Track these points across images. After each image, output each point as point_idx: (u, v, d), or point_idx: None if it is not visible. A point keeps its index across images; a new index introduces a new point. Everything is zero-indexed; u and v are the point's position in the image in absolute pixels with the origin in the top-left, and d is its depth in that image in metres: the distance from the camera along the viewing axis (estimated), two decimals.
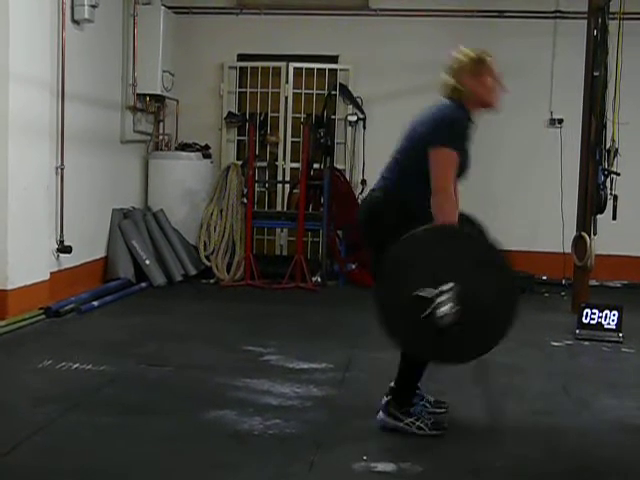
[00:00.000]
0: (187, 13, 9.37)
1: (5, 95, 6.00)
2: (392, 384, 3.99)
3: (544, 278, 8.93)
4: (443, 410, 4.26)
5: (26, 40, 6.17)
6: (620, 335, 6.19)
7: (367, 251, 4.19)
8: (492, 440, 3.95)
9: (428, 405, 4.22)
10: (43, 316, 6.34)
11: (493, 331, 3.61)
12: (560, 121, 9.06)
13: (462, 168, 3.86)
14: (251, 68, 9.55)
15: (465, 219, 3.95)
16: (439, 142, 3.74)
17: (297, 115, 9.39)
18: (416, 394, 4.10)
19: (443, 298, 3.41)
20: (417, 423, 3.90)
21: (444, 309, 3.38)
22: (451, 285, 3.44)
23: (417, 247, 3.55)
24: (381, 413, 3.97)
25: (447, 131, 3.79)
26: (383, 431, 3.93)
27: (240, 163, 9.08)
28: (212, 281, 8.63)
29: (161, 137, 9.30)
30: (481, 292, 3.48)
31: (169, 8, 8.93)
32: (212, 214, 8.85)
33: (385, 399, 3.97)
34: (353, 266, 8.61)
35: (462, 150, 3.81)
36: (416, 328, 3.53)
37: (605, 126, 7.18)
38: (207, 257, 8.78)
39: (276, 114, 9.52)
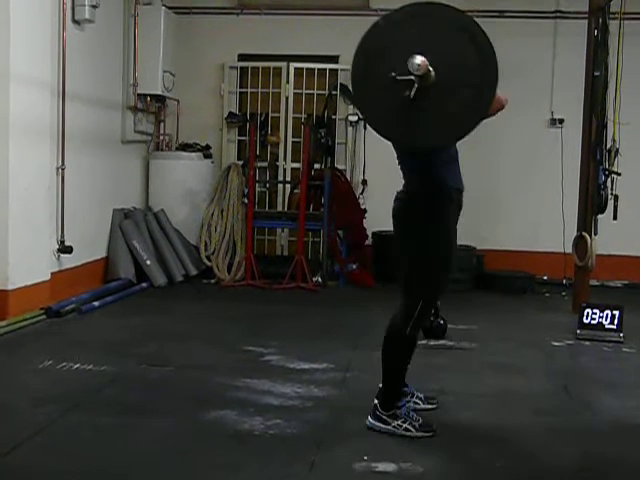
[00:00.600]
0: (188, 13, 9.37)
1: (6, 95, 6.00)
2: (380, 386, 4.01)
3: (545, 278, 8.94)
4: (434, 406, 4.30)
5: (27, 40, 6.17)
6: (621, 335, 6.18)
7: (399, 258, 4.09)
8: (493, 440, 3.95)
9: (419, 402, 4.25)
10: (44, 316, 6.34)
11: (475, 98, 3.44)
12: (561, 121, 9.06)
13: None
14: (252, 68, 9.55)
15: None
16: None
17: (298, 115, 9.39)
18: (404, 393, 4.12)
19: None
20: (404, 425, 3.90)
21: (417, 61, 3.26)
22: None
23: (389, 30, 3.47)
24: (370, 417, 3.98)
25: None
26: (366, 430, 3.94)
27: (241, 163, 9.08)
28: (213, 281, 8.63)
29: (162, 137, 9.30)
30: (457, 57, 3.39)
31: (170, 8, 8.94)
32: (213, 214, 8.85)
33: (374, 402, 3.99)
34: (354, 266, 8.61)
35: None
36: (394, 106, 3.43)
37: (606, 126, 7.17)
38: (208, 257, 8.78)
39: (277, 114, 9.52)
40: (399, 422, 3.90)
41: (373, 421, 3.96)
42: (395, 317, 3.91)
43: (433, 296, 3.97)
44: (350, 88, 3.64)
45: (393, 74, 3.35)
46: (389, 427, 3.90)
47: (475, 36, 3.37)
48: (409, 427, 3.89)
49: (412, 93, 3.32)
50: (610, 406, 4.54)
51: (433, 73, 3.33)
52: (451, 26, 3.42)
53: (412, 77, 3.31)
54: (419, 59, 3.25)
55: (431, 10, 3.46)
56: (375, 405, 3.96)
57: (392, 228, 3.98)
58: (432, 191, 3.84)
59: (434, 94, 3.37)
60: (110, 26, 8.08)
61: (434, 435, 3.91)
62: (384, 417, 3.92)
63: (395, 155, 3.99)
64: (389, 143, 3.77)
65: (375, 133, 3.56)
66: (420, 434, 3.89)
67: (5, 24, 5.95)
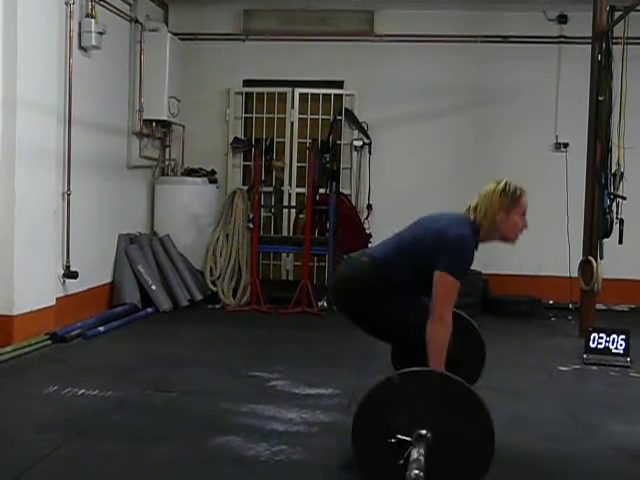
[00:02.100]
0: (193, 39, 9.44)
1: (13, 121, 6.02)
2: None
3: (551, 302, 8.91)
4: None
5: (34, 66, 6.22)
6: (628, 359, 6.15)
7: (341, 313, 4.20)
8: (500, 466, 3.92)
9: None
10: (49, 342, 6.33)
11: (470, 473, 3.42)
12: (565, 145, 9.07)
13: None
14: (257, 94, 9.61)
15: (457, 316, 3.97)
16: (450, 269, 3.73)
17: (303, 140, 9.42)
18: None
19: (416, 452, 3.28)
20: None
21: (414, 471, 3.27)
22: (425, 432, 3.31)
23: (396, 391, 3.43)
24: None
25: (461, 260, 3.80)
26: None
27: (246, 188, 9.11)
28: (218, 306, 8.62)
29: (167, 162, 9.32)
30: (458, 437, 3.35)
31: (175, 35, 9.01)
32: (218, 239, 8.86)
33: None
34: None
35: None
36: (390, 473, 3.37)
37: (610, 150, 7.19)
38: (213, 282, 8.78)
39: (282, 139, 9.56)
40: None
41: None
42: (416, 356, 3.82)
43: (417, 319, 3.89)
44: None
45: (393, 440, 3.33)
46: None
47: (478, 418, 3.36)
48: None
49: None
50: (617, 431, 4.51)
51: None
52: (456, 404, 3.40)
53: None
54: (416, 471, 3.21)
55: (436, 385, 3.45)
56: None
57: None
58: (384, 282, 3.94)
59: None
60: (116, 52, 8.14)
61: None
62: None
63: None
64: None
65: None
66: None
67: (12, 50, 6.00)
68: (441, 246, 3.78)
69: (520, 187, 4.01)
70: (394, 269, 3.94)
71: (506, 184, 3.99)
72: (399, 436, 3.30)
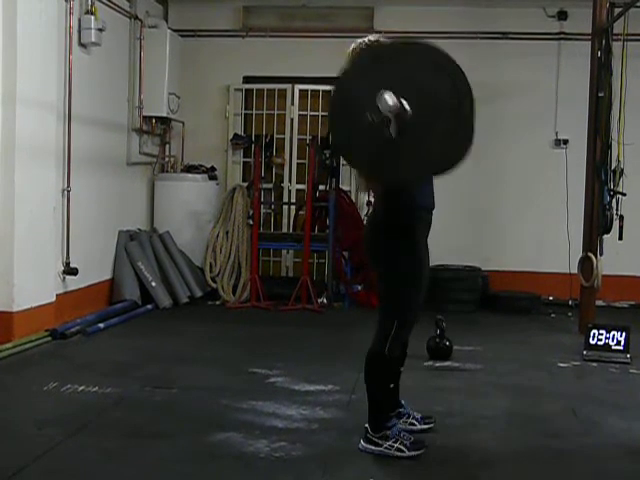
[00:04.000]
0: (193, 36, 9.43)
1: (12, 118, 6.03)
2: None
3: (550, 299, 8.91)
4: (431, 425, 4.29)
5: (33, 63, 6.22)
6: (628, 356, 6.15)
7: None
8: (500, 462, 3.93)
9: (415, 422, 4.23)
10: (49, 338, 6.34)
11: (453, 135, 3.40)
12: (565, 142, 9.06)
13: None
14: (257, 90, 9.60)
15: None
16: None
17: (302, 137, 9.42)
18: (398, 414, 4.10)
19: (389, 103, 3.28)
20: (396, 445, 3.88)
21: (389, 100, 3.24)
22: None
23: (358, 75, 3.49)
24: (362, 441, 3.97)
25: None
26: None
27: (246, 185, 9.11)
28: (218, 303, 8.63)
29: (167, 159, 9.32)
30: (434, 94, 3.36)
31: (175, 31, 9.01)
32: (218, 236, 8.86)
33: (365, 426, 3.98)
34: (359, 287, 8.60)
35: None
36: (371, 143, 3.42)
37: (610, 146, 7.18)
38: (213, 279, 8.78)
39: (282, 136, 9.55)
40: (390, 443, 3.88)
41: (365, 444, 3.95)
42: (374, 338, 3.91)
43: (407, 315, 3.92)
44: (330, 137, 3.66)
45: (370, 117, 3.33)
46: (381, 449, 3.89)
47: (447, 70, 3.37)
48: (401, 447, 3.87)
49: (392, 131, 3.32)
50: (617, 428, 4.50)
51: (409, 108, 3.32)
52: (422, 63, 3.42)
53: (389, 115, 3.31)
54: (389, 99, 3.24)
55: (397, 50, 3.50)
56: (366, 428, 3.96)
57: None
58: (399, 210, 3.83)
59: (412, 131, 3.35)
60: (116, 49, 8.14)
61: (425, 451, 3.90)
62: (375, 439, 3.91)
63: None
64: None
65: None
66: (413, 453, 3.87)
67: (12, 47, 6.00)
68: None
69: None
70: (388, 197, 3.89)
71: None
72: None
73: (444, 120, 3.38)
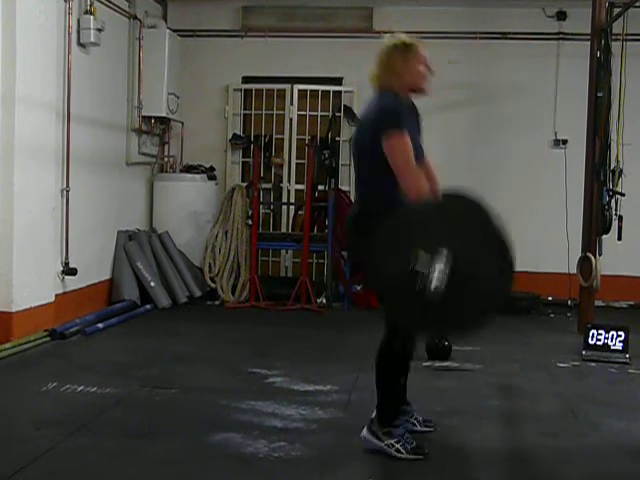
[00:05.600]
0: (192, 36, 9.43)
1: (11, 118, 6.02)
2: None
3: (549, 299, 8.90)
4: (431, 429, 4.28)
5: (32, 63, 6.21)
6: (627, 356, 6.15)
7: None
8: (499, 462, 3.93)
9: (416, 424, 4.22)
10: (48, 338, 6.34)
11: (484, 302, 3.46)
12: (564, 142, 9.06)
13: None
14: (256, 90, 9.59)
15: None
16: (386, 129, 3.72)
17: (302, 137, 9.42)
18: (403, 411, 4.10)
19: (436, 271, 3.32)
20: (397, 445, 3.87)
21: (435, 280, 3.28)
22: (445, 253, 3.34)
23: (413, 218, 3.51)
24: (365, 430, 3.96)
25: (392, 115, 3.78)
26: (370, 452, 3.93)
27: (245, 185, 9.10)
28: (217, 303, 8.63)
29: (166, 159, 9.32)
30: (476, 262, 3.39)
31: (174, 31, 9.00)
32: (217, 236, 8.86)
33: (372, 415, 3.97)
34: (358, 287, 8.60)
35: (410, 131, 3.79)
36: (408, 299, 3.43)
37: (609, 146, 7.18)
38: (212, 279, 8.78)
39: (281, 136, 9.55)
40: (392, 441, 3.88)
41: (367, 435, 3.94)
42: (384, 333, 3.92)
43: None
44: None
45: (416, 268, 3.37)
46: (382, 444, 3.88)
47: (498, 241, 3.50)
48: (400, 448, 3.86)
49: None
50: (617, 428, 4.51)
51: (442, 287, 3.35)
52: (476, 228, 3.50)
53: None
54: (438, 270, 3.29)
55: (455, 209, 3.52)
56: (372, 419, 3.95)
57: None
58: (381, 207, 3.80)
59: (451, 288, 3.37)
60: (115, 49, 8.14)
61: (424, 459, 3.88)
62: (379, 433, 3.90)
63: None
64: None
65: None
66: (411, 457, 3.86)
67: (11, 47, 5.99)
68: (376, 128, 3.77)
69: (410, 39, 4.01)
70: (372, 194, 3.95)
71: (395, 40, 3.99)
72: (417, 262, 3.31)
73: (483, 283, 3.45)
